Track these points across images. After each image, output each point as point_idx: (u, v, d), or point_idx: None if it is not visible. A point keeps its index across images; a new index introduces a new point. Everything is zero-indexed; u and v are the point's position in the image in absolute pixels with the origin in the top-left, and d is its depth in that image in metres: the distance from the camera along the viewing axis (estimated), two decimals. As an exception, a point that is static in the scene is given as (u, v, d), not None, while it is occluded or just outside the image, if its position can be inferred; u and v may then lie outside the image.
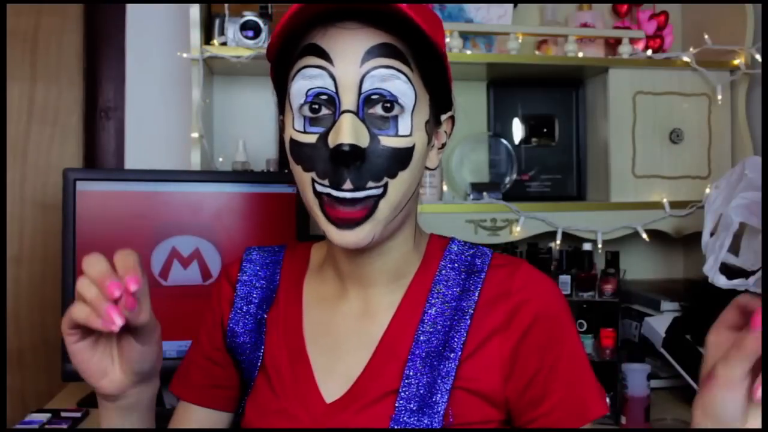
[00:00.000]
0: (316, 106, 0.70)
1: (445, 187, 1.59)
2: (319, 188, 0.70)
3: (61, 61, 1.71)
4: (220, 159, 1.59)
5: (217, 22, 1.49)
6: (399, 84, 0.69)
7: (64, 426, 1.19)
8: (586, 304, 1.36)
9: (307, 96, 0.70)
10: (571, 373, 0.75)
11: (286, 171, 1.62)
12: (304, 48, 0.70)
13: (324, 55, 0.69)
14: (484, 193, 1.53)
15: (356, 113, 0.69)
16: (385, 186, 0.70)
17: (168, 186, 1.32)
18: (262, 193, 1.34)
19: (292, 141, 0.72)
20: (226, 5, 1.47)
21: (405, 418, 0.71)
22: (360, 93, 0.69)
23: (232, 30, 1.46)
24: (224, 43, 1.47)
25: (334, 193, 0.69)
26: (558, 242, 1.50)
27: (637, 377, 1.28)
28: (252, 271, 0.86)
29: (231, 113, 1.66)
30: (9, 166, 1.68)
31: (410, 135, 0.71)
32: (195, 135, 1.44)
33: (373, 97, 0.69)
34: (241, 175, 1.44)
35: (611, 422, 1.31)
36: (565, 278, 1.37)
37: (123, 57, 1.70)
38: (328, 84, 0.69)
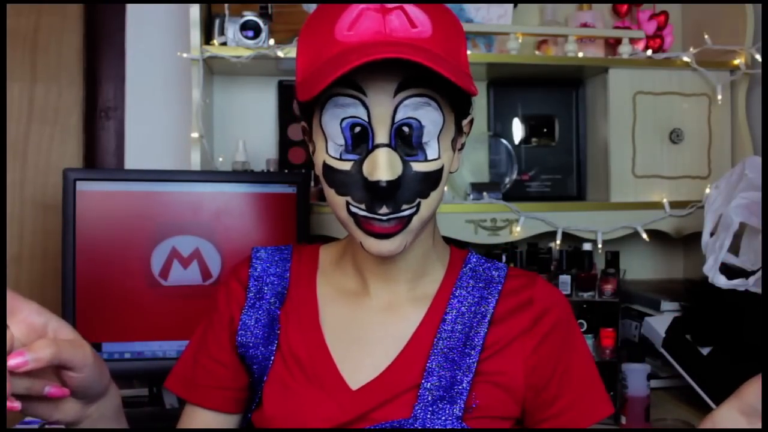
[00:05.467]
0: (350, 138, 0.72)
1: (445, 187, 1.58)
2: (354, 210, 0.73)
3: (61, 61, 1.71)
4: (220, 159, 1.59)
5: (217, 22, 1.49)
6: (430, 111, 0.72)
7: (64, 426, 1.19)
8: (586, 304, 1.36)
9: (342, 127, 0.72)
10: (582, 376, 0.82)
11: (286, 171, 1.62)
12: (338, 81, 0.69)
13: (356, 87, 0.71)
14: (484, 193, 1.53)
15: (389, 144, 0.71)
16: (418, 205, 0.74)
17: (168, 186, 1.32)
18: (262, 193, 1.34)
19: (326, 166, 0.75)
20: (226, 5, 1.47)
21: (428, 405, 0.75)
22: (393, 123, 0.71)
23: (232, 30, 1.46)
24: (224, 43, 1.47)
25: (370, 215, 0.73)
26: (558, 242, 1.50)
27: (637, 377, 1.28)
28: (262, 268, 0.87)
29: (231, 113, 1.66)
30: (9, 166, 1.68)
31: (438, 158, 0.74)
32: (195, 135, 1.44)
33: (404, 128, 0.72)
34: (241, 175, 1.44)
35: (611, 422, 1.31)
36: (565, 278, 1.37)
37: (123, 57, 1.70)
38: (361, 114, 0.71)
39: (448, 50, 0.73)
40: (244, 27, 1.45)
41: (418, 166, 0.73)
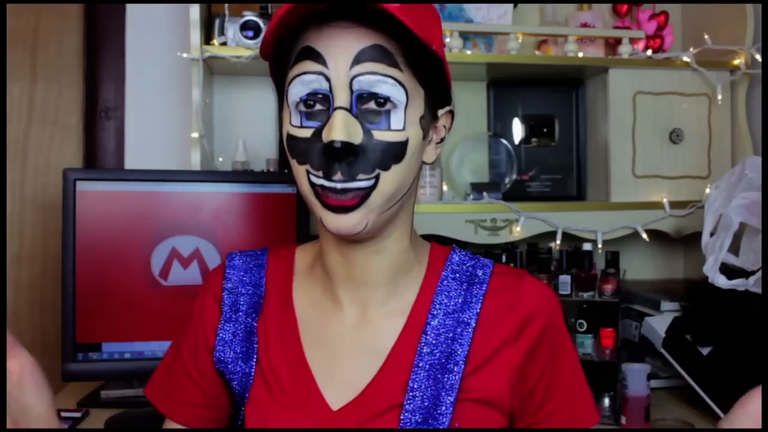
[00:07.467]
0: (311, 102, 0.71)
1: (445, 187, 1.59)
2: (312, 179, 0.72)
3: (61, 61, 1.71)
4: (220, 159, 1.59)
5: (217, 22, 1.49)
6: (387, 87, 0.70)
7: (64, 426, 1.19)
8: (586, 304, 1.36)
9: (302, 96, 0.71)
10: (570, 383, 0.79)
11: (286, 171, 1.62)
12: (301, 52, 0.71)
13: (319, 58, 0.70)
14: (484, 193, 1.53)
15: (349, 110, 0.70)
16: (377, 177, 0.70)
17: (168, 186, 1.32)
18: (262, 193, 1.34)
19: (289, 136, 0.74)
20: (226, 5, 1.47)
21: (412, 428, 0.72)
22: (352, 92, 0.70)
23: (232, 30, 1.46)
24: (224, 43, 1.47)
25: (326, 183, 0.70)
26: (558, 242, 1.50)
27: (637, 377, 1.28)
28: (236, 278, 0.83)
29: (231, 113, 1.66)
30: (9, 166, 1.68)
31: (403, 129, 0.71)
32: (195, 135, 1.44)
33: (365, 95, 0.70)
34: (241, 175, 1.44)
35: (611, 422, 1.31)
36: (565, 278, 1.37)
37: (123, 57, 1.70)
38: (324, 86, 0.70)
39: (413, 18, 0.70)
40: (244, 27, 1.45)
41: (380, 135, 0.70)
